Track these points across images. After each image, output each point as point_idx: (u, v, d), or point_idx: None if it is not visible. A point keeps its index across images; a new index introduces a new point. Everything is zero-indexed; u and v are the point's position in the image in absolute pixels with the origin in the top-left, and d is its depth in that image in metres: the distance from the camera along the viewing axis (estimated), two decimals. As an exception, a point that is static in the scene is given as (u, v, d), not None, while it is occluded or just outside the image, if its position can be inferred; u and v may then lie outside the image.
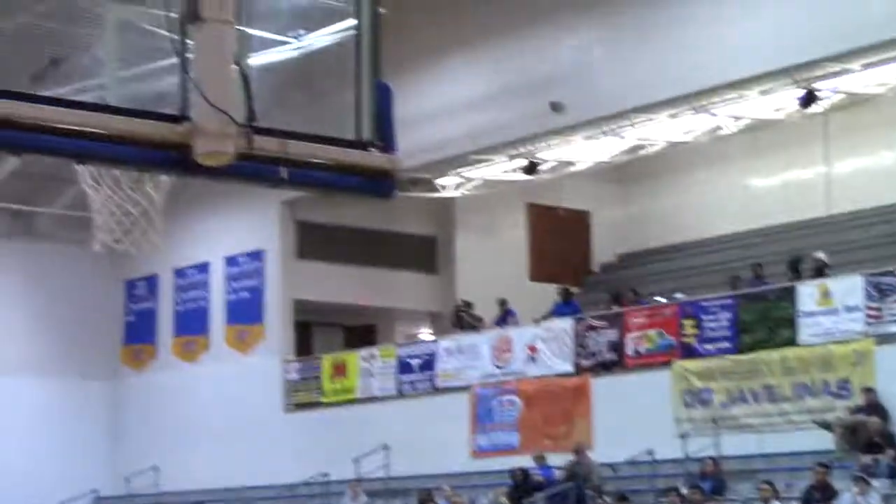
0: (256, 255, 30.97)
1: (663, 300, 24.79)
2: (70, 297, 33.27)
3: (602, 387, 24.50)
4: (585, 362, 25.03)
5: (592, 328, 25.06)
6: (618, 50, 23.75)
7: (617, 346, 24.56)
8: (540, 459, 23.95)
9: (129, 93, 7.09)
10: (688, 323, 23.49)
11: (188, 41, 6.69)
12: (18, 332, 32.84)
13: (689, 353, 23.40)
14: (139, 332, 33.95)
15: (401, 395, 28.00)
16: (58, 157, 7.10)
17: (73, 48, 7.54)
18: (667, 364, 23.53)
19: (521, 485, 23.31)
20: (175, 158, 6.76)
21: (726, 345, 22.92)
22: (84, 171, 8.80)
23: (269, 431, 29.83)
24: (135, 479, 31.93)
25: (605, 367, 24.71)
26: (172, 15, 6.71)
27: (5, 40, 6.33)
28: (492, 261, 30.60)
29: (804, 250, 24.03)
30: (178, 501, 29.85)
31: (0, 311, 32.61)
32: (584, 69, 24.07)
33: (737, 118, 24.98)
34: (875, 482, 18.65)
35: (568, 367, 25.28)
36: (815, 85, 22.54)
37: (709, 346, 23.17)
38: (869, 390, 20.37)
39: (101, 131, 6.64)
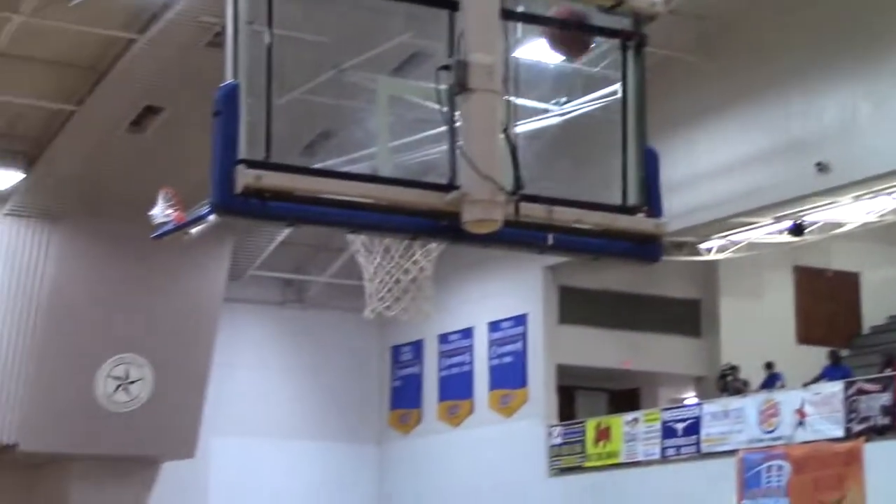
0: (520, 320, 31.17)
1: (938, 362, 23.95)
2: (340, 362, 34.13)
3: (875, 452, 23.73)
4: (857, 427, 24.32)
5: (864, 391, 24.34)
6: (885, 108, 23.19)
7: (890, 410, 23.79)
8: (812, 527, 23.37)
9: (398, 163, 7.29)
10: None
11: (456, 111, 6.84)
12: (291, 397, 33.82)
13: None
14: (405, 396, 34.53)
15: (665, 459, 27.71)
16: (330, 227, 7.32)
17: (343, 121, 7.81)
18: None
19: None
20: (444, 226, 6.90)
21: None
22: (356, 240, 9.07)
23: (533, 496, 29.89)
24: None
25: (878, 432, 23.95)
26: (441, 87, 6.87)
27: (279, 115, 6.61)
28: (757, 324, 30.12)
29: None
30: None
31: (273, 376, 33.64)
32: (850, 128, 23.58)
33: None
34: None
35: (838, 432, 24.61)
36: None
37: None
38: None
39: (373, 201, 6.83)
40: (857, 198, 25.39)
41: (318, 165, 7.28)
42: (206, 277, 29.44)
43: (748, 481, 26.04)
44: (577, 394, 32.69)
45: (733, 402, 26.97)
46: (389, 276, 8.85)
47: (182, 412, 29.66)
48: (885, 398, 23.92)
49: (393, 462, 34.69)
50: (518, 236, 7.03)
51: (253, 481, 32.80)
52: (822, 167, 23.84)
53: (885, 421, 23.85)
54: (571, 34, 7.45)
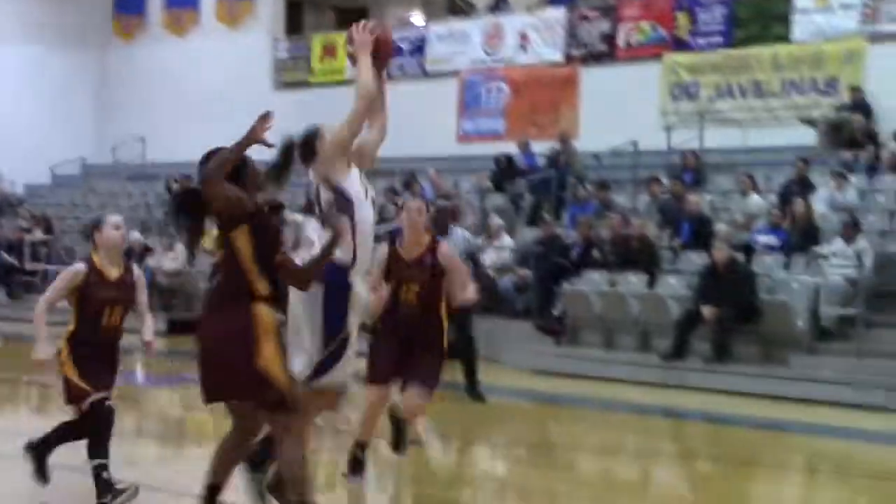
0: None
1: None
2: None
3: (591, 77, 24.51)
4: (576, 52, 24.96)
5: (585, 18, 24.88)
6: None
7: (609, 38, 24.45)
8: (524, 146, 24.13)
9: None
10: (681, 15, 23.34)
11: None
12: (7, -3, 32.55)
13: (680, 46, 23.35)
14: (129, 2, 33.58)
15: (389, 78, 27.87)
16: None
17: None
18: (657, 56, 23.50)
19: (505, 170, 23.52)
20: None
21: (718, 39, 22.85)
22: None
23: (257, 109, 29.73)
24: (121, 148, 32.13)
25: (596, 58, 24.65)
26: None
27: None
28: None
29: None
30: (163, 173, 30.12)
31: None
32: None
33: None
34: (853, 178, 18.88)
35: (558, 57, 25.22)
36: None
37: (700, 40, 23.08)
38: (856, 89, 20.43)
39: None
40: None
41: None
42: None
43: (469, 102, 26.62)
44: (304, 8, 32.38)
45: (459, 24, 27.22)
46: None
47: None
48: (604, 25, 24.50)
49: (115, 69, 34.03)
50: None
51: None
52: None
53: (603, 48, 24.52)
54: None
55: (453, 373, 12.95)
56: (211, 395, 6.52)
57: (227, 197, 6.45)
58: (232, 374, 6.38)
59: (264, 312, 6.43)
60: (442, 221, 15.13)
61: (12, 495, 8.38)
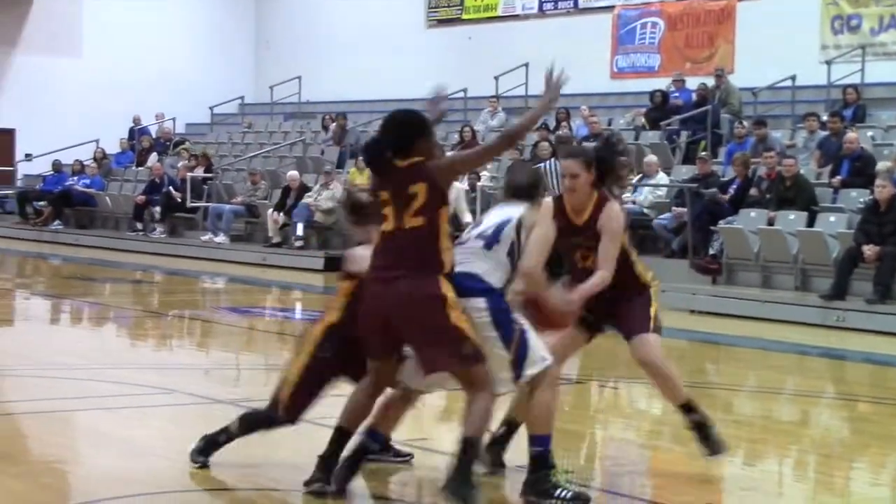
0: None
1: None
2: None
3: (747, 10, 24.08)
4: (733, -15, 24.53)
5: (744, -50, 24.41)
6: None
7: (767, -30, 23.97)
8: (679, 83, 23.86)
9: None
10: (843, -54, 22.77)
11: None
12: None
13: (841, -23, 22.80)
14: (284, -58, 33.90)
15: (543, 13, 27.83)
16: None
17: None
18: (818, -12, 23.01)
19: (660, 107, 23.31)
20: None
21: (883, -27, 22.27)
22: None
23: (410, 46, 29.98)
24: (278, 88, 32.54)
25: None
26: None
27: None
28: None
29: None
30: (320, 111, 30.43)
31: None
32: None
33: None
34: None
35: (714, -10, 24.83)
36: None
37: (863, -29, 22.51)
38: None
39: None
40: None
41: None
42: None
43: (622, 37, 26.36)
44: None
45: (613, -42, 26.94)
46: None
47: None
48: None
49: (270, 8, 34.43)
50: None
51: (128, 19, 32.48)
52: None
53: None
54: None
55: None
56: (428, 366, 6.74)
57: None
58: (434, 334, 6.60)
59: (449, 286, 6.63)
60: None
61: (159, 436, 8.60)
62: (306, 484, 6.89)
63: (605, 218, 7.05)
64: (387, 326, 6.68)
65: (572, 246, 7.20)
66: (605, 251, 7.06)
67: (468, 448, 6.59)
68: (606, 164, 7.12)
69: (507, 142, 7.00)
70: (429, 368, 6.74)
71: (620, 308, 7.26)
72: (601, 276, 7.04)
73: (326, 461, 6.95)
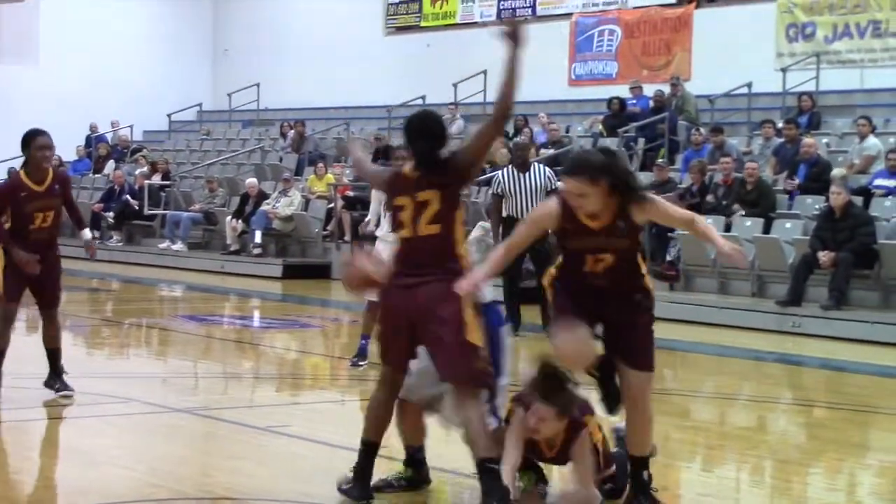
0: None
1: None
2: None
3: (704, 18, 24.21)
4: (689, -7, 24.67)
5: (699, -42, 24.55)
6: None
7: (723, -23, 24.12)
8: (636, 90, 23.97)
9: None
10: (797, -46, 22.95)
11: None
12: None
13: (796, -15, 22.96)
14: (241, -52, 33.84)
15: (501, 20, 27.87)
16: None
17: None
18: (773, -4, 23.16)
19: (617, 114, 23.40)
20: None
21: (835, -23, 22.45)
22: None
23: (369, 53, 29.98)
24: (236, 95, 32.48)
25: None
26: None
27: None
28: None
29: None
30: (278, 118, 30.39)
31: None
32: None
33: None
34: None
35: (671, -3, 24.98)
36: None
37: (817, -21, 22.69)
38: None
39: None
40: None
41: None
42: None
43: (580, 45, 26.45)
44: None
45: (570, -35, 27.02)
46: None
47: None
48: (719, -33, 24.17)
49: (229, 15, 34.34)
50: None
51: (85, 27, 32.32)
52: None
53: (717, -12, 24.20)
54: None
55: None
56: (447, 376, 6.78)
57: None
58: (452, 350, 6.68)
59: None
60: (522, 157, 15.06)
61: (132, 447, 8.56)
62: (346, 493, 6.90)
63: (641, 212, 6.59)
64: (410, 329, 6.73)
65: (583, 248, 6.69)
66: (673, 210, 6.75)
67: (487, 469, 6.58)
68: (622, 180, 6.58)
69: (502, 111, 6.80)
70: (445, 374, 6.76)
71: (625, 328, 6.81)
72: (699, 219, 6.83)
73: (360, 475, 6.94)
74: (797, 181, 18.15)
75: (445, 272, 6.65)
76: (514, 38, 6.63)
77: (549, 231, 6.85)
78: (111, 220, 26.77)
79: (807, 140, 18.58)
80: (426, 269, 6.69)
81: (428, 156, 6.77)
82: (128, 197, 26.76)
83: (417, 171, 6.76)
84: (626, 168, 6.86)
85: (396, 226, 6.81)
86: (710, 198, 18.42)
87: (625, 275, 6.76)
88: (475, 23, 28.33)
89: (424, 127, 6.82)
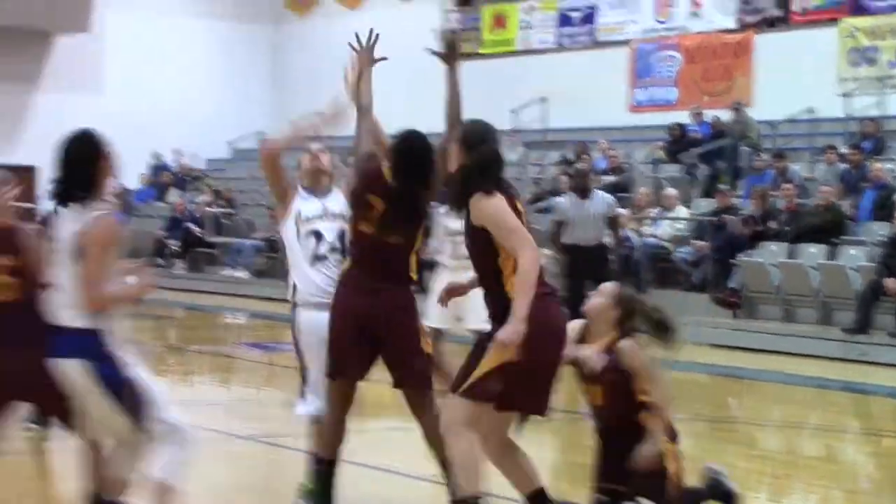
0: None
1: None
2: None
3: (765, 43, 24.07)
4: (750, 18, 24.54)
5: (759, -14, 24.43)
6: None
7: (783, 2, 23.97)
8: (697, 116, 23.88)
9: None
10: (860, -22, 22.80)
11: None
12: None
13: (858, 9, 22.75)
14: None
15: (560, 47, 27.89)
16: None
17: None
18: (834, 21, 22.95)
19: (678, 140, 23.33)
20: None
21: (898, 2, 22.29)
22: None
23: (428, 79, 29.94)
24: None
25: (770, 24, 24.22)
26: None
27: None
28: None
29: None
30: (338, 145, 30.45)
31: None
32: None
33: None
34: None
35: (731, 23, 24.84)
36: None
37: (880, 3, 22.48)
38: None
39: None
40: None
41: None
42: None
43: (640, 71, 26.39)
44: (475, -21, 32.38)
45: (630, -8, 27.00)
46: None
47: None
48: (779, -12, 24.06)
49: (288, 43, 34.55)
50: None
51: (148, 57, 32.60)
52: None
53: (778, 13, 24.06)
54: None
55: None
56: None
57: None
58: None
59: None
60: (582, 184, 15.07)
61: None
62: None
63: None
64: (369, 337, 6.74)
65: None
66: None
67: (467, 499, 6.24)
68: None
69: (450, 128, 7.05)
70: (409, 382, 6.85)
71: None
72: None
73: (316, 495, 6.99)
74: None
75: (401, 281, 6.82)
76: (449, 57, 6.87)
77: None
78: (175, 248, 26.98)
79: (875, 165, 18.43)
80: (388, 275, 6.77)
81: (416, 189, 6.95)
82: (190, 224, 26.96)
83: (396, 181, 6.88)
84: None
85: (359, 219, 6.91)
86: (772, 223, 18.31)
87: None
88: (534, 50, 28.33)
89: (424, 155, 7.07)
